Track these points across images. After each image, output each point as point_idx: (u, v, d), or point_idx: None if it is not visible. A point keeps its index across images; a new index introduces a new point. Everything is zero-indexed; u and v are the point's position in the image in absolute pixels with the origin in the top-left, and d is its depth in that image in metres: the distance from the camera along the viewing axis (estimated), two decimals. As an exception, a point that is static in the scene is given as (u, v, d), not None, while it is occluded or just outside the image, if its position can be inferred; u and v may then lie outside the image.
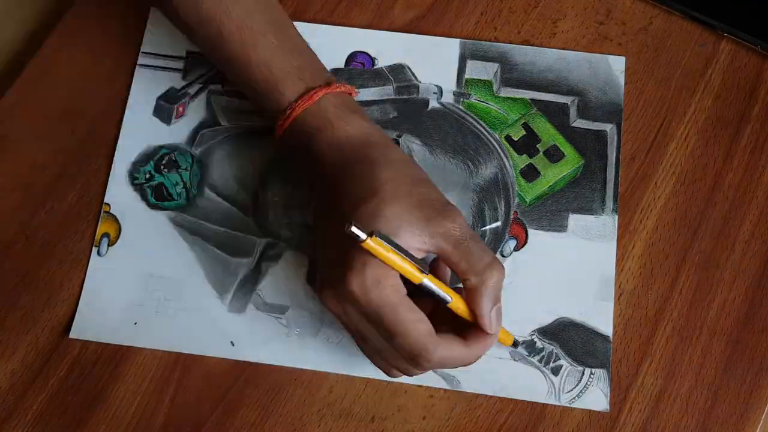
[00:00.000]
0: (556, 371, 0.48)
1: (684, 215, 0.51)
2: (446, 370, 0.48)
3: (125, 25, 0.56)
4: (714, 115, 0.53)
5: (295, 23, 0.54)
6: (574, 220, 0.51)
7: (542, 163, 0.52)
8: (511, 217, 0.51)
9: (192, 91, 0.55)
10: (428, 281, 0.40)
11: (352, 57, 0.55)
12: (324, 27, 0.56)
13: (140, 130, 0.54)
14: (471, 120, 0.53)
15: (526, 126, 0.53)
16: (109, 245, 0.51)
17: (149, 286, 0.50)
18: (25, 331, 0.50)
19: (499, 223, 0.47)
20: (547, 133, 0.53)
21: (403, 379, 0.47)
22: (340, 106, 0.45)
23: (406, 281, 0.40)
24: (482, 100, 0.54)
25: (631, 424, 0.47)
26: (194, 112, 0.54)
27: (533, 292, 0.50)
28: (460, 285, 0.42)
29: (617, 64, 0.54)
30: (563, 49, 0.54)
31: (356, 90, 0.48)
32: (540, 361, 0.48)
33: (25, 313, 0.50)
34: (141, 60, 0.55)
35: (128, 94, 0.54)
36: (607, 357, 0.48)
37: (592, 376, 0.48)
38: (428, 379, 0.48)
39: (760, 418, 0.47)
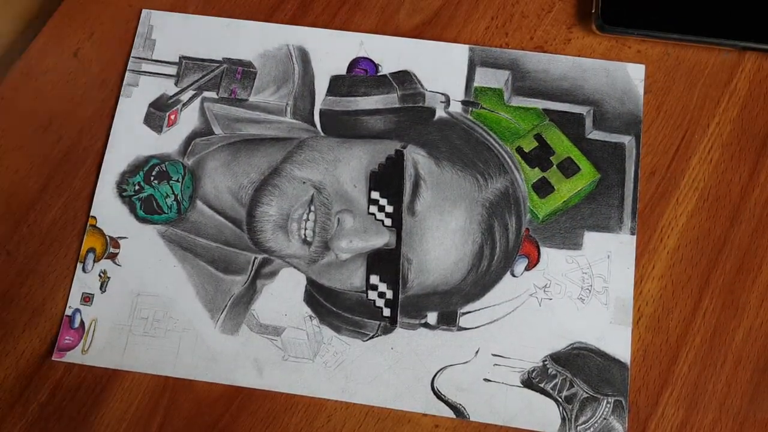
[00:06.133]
0: (569, 400, 0.47)
1: (707, 234, 0.50)
2: (453, 399, 0.47)
3: (115, 28, 0.56)
4: (740, 127, 0.52)
5: (295, 27, 0.56)
6: (590, 238, 0.50)
7: (556, 177, 0.51)
8: (523, 234, 0.50)
9: (185, 98, 0.54)
10: None
11: (355, 63, 0.54)
12: (325, 31, 0.55)
13: (129, 139, 0.53)
14: (480, 130, 0.52)
15: (538, 137, 0.52)
16: (95, 261, 0.50)
17: (137, 305, 0.49)
18: (4, 353, 0.49)
19: None
20: (562, 145, 0.52)
21: (407, 407, 0.47)
22: None
23: None
24: (492, 109, 0.53)
25: (650, 457, 0.46)
26: (187, 121, 0.53)
27: (546, 315, 0.49)
28: None
29: (636, 72, 0.53)
30: (579, 56, 0.54)
31: None
32: (552, 389, 0.47)
33: (4, 333, 0.49)
34: (131, 65, 0.55)
35: (117, 100, 0.54)
36: (625, 385, 0.47)
37: (608, 405, 0.47)
38: (434, 408, 0.47)
39: (789, 452, 0.46)
